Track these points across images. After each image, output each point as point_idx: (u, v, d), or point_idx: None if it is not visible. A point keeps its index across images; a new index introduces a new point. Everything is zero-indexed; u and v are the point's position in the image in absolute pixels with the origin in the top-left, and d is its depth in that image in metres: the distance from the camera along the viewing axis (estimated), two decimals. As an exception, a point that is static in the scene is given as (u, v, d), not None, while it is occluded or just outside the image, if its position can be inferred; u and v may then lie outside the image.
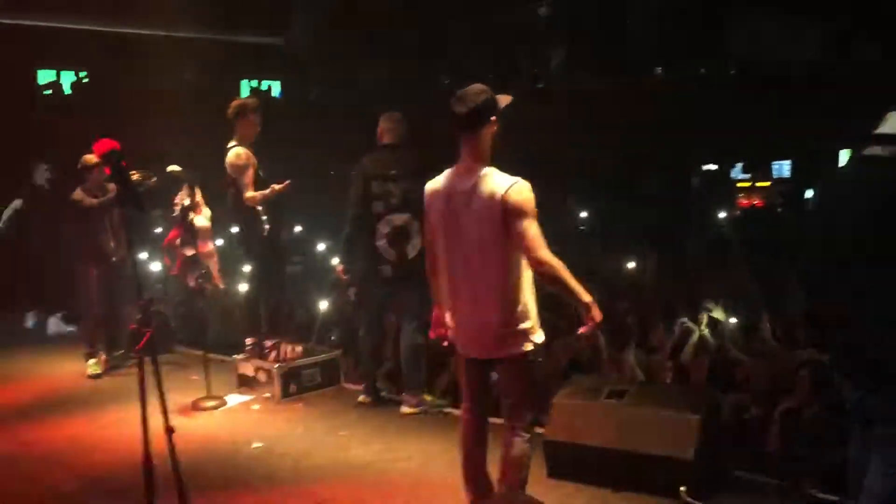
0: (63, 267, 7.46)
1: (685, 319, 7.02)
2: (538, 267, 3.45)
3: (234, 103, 6.13)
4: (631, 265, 9.44)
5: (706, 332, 7.02)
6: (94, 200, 6.76)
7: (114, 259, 6.94)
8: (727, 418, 5.20)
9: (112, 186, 6.74)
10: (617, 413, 4.38)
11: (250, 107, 6.10)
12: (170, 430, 3.06)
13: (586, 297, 3.52)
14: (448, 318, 3.76)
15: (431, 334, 4.00)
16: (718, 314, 7.39)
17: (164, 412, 3.03)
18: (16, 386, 6.85)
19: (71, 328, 8.54)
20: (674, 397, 4.52)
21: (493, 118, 3.55)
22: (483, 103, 3.51)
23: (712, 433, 4.29)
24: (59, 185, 8.51)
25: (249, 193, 5.90)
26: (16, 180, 8.70)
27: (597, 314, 3.51)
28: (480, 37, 15.45)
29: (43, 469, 5.04)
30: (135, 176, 5.60)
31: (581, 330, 3.58)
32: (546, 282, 3.50)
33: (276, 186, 5.92)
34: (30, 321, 8.88)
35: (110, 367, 7.08)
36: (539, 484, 4.18)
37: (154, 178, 6.40)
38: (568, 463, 4.44)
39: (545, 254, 3.44)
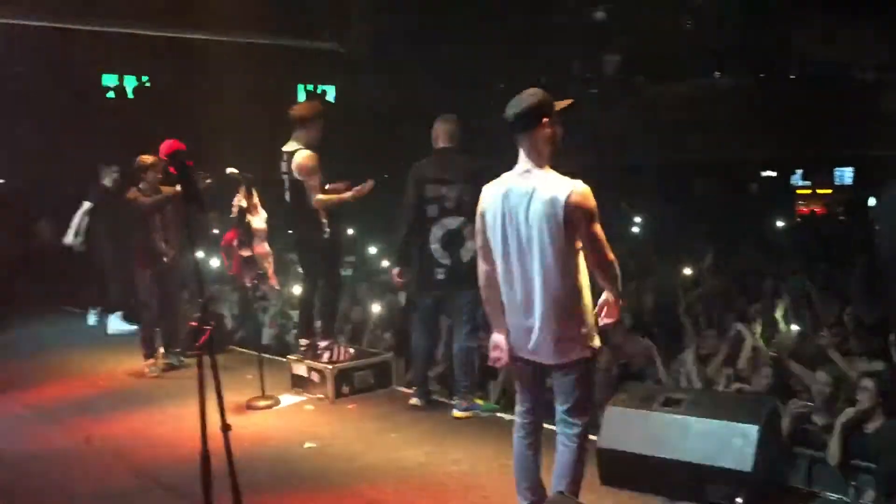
0: (120, 266, 7.64)
1: (740, 325, 6.90)
2: (607, 268, 3.53)
3: (310, 108, 6.21)
4: (687, 271, 9.29)
5: (763, 339, 6.89)
6: (147, 200, 6.88)
7: (165, 259, 7.05)
8: (787, 428, 5.08)
9: (166, 188, 6.91)
10: (673, 421, 4.30)
11: (321, 112, 6.18)
12: (226, 428, 3.10)
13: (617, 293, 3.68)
14: (503, 340, 3.73)
15: (490, 361, 3.97)
16: (776, 321, 7.24)
17: (222, 410, 3.07)
18: (78, 382, 7.00)
19: (130, 326, 8.73)
20: (731, 406, 4.41)
21: (546, 120, 3.54)
22: (533, 106, 3.53)
23: (771, 444, 4.19)
24: (123, 186, 8.73)
25: (320, 196, 5.96)
26: (82, 182, 8.92)
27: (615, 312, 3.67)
28: (535, 41, 15.40)
29: (103, 463, 5.16)
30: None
31: (609, 320, 3.72)
32: (608, 285, 3.61)
33: (357, 189, 5.99)
34: (91, 319, 9.10)
35: (168, 367, 7.19)
36: (592, 492, 4.13)
37: (209, 180, 6.51)
38: (622, 471, 4.38)
39: (612, 255, 3.55)
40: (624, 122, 14.29)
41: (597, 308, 3.68)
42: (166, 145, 3.01)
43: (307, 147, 6.01)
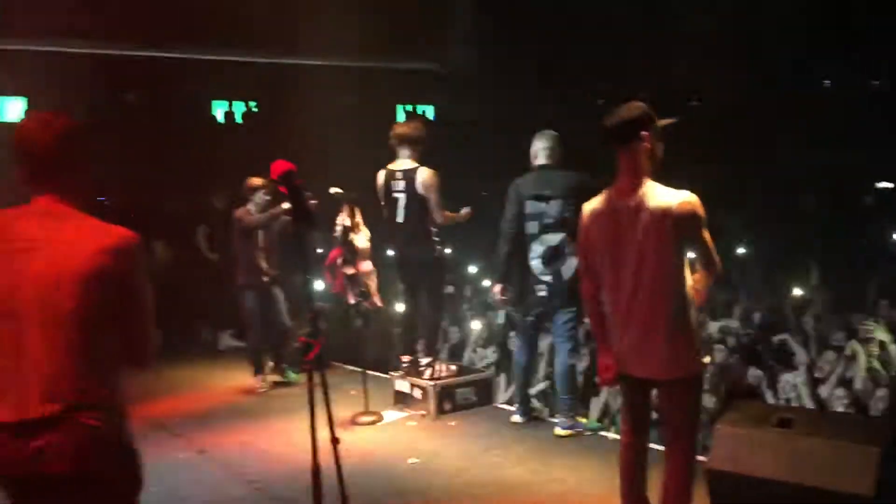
0: (226, 285, 7.92)
1: (856, 344, 6.61)
2: (714, 269, 3.58)
3: (416, 127, 6.35)
4: (797, 291, 8.95)
5: (876, 359, 6.58)
6: (253, 218, 7.11)
7: (265, 279, 7.22)
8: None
9: (274, 209, 7.08)
10: (787, 443, 4.13)
11: (425, 131, 6.34)
12: (335, 441, 3.17)
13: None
14: (611, 360, 3.70)
15: (599, 382, 4.00)
16: (882, 335, 6.90)
17: (331, 423, 3.14)
18: (195, 396, 7.31)
19: (240, 343, 9.03)
20: (849, 427, 4.21)
21: (644, 134, 3.50)
22: (632, 118, 3.52)
23: (894, 468, 3.97)
24: (231, 208, 9.07)
25: (447, 213, 6.11)
26: (197, 205, 9.33)
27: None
28: (635, 56, 15.21)
29: (216, 474, 5.34)
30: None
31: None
32: (705, 284, 3.63)
33: (469, 211, 6.26)
34: (206, 337, 9.44)
35: (277, 384, 7.40)
36: (701, 514, 4.02)
37: (315, 201, 6.65)
38: (732, 493, 4.22)
39: (719, 263, 3.59)
40: (727, 135, 13.91)
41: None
42: (278, 166, 3.12)
43: (419, 165, 6.12)
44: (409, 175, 6.08)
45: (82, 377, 2.36)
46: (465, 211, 6.26)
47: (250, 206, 7.20)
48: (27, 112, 12.32)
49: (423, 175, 6.04)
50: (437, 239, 6.15)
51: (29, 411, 2.31)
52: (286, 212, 6.55)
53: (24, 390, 2.32)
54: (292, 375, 7.44)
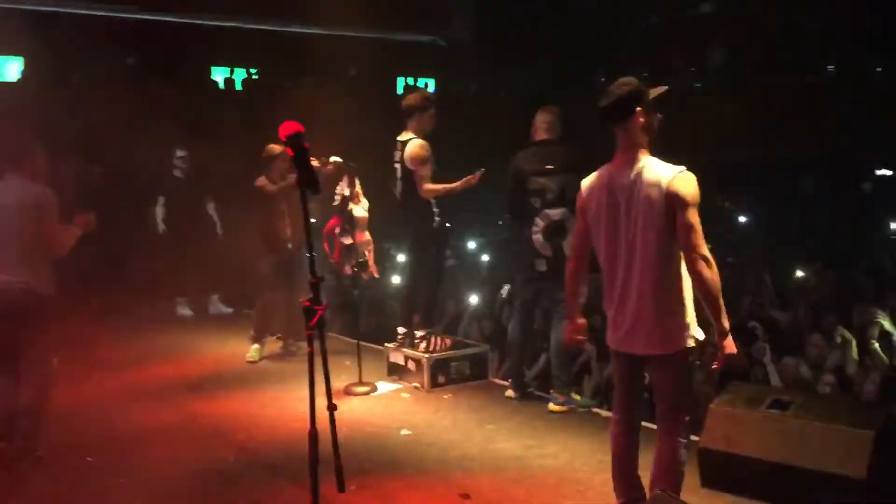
0: (237, 254, 7.76)
1: (843, 330, 6.63)
2: (698, 262, 3.38)
3: (419, 96, 6.24)
4: (799, 273, 8.94)
5: (876, 345, 6.58)
6: (274, 187, 6.90)
7: (289, 246, 7.03)
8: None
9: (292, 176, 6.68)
10: (781, 424, 4.14)
11: (432, 101, 6.22)
12: (332, 407, 3.15)
13: (725, 324, 3.45)
14: (580, 321, 3.85)
15: (567, 341, 3.98)
16: (888, 326, 6.92)
17: (328, 389, 3.12)
18: (181, 363, 7.20)
19: (229, 309, 8.96)
20: (844, 411, 4.21)
21: (639, 109, 3.50)
22: (626, 94, 3.52)
23: (887, 452, 3.98)
24: (192, 173, 8.87)
25: (429, 185, 6.00)
26: (193, 171, 9.06)
27: (730, 345, 3.44)
28: (636, 34, 15.13)
29: (207, 440, 5.34)
30: (314, 162, 5.74)
31: (714, 366, 3.52)
32: (698, 284, 3.43)
33: (467, 179, 5.95)
34: (181, 308, 9.04)
35: (287, 354, 7.22)
36: (692, 493, 4.02)
37: (330, 165, 6.41)
38: (724, 473, 4.25)
39: (706, 250, 3.40)
40: (729, 117, 13.84)
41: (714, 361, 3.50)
42: (286, 127, 3.07)
43: (419, 136, 6.06)
44: (403, 146, 6.07)
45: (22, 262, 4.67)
46: (470, 178, 5.97)
47: (270, 174, 6.96)
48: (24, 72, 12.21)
49: (410, 148, 6.00)
50: (435, 210, 6.11)
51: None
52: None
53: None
54: (299, 345, 7.15)
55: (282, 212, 6.97)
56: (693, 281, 3.46)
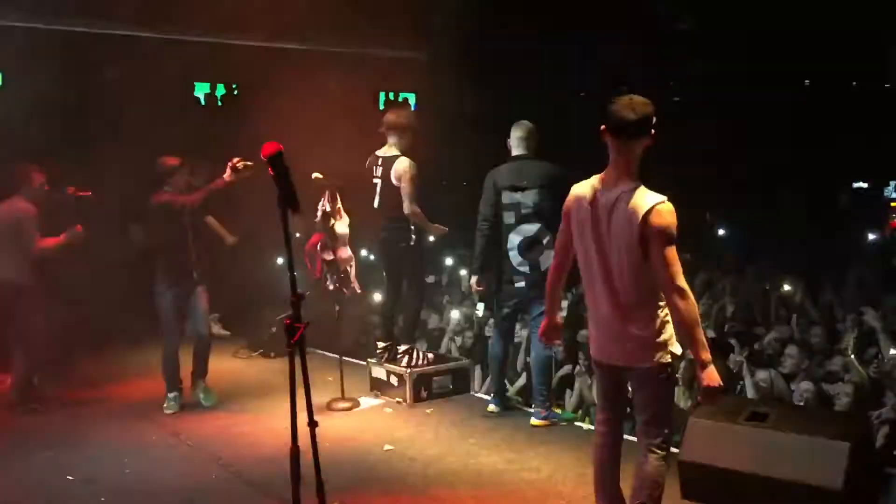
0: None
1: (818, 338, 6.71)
2: (673, 295, 3.38)
3: (404, 114, 6.30)
4: (786, 287, 9.00)
5: (853, 356, 6.65)
6: (194, 196, 5.98)
7: (194, 275, 6.18)
8: (879, 449, 4.89)
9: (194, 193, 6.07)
10: (759, 436, 4.19)
11: (415, 119, 6.30)
12: (313, 424, 3.16)
13: (706, 356, 3.42)
14: (558, 317, 4.00)
15: (541, 339, 4.09)
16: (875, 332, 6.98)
17: (309, 406, 3.13)
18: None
19: (226, 332, 8.89)
20: (821, 422, 4.27)
21: (652, 132, 3.52)
22: (649, 115, 3.49)
23: (863, 463, 4.04)
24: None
25: (417, 208, 6.07)
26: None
27: (711, 377, 3.41)
28: (615, 47, 15.26)
29: (191, 458, 5.33)
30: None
31: (700, 399, 3.56)
32: (674, 316, 3.44)
33: (440, 228, 6.32)
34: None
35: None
36: (673, 505, 4.07)
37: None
38: (704, 485, 4.28)
39: (682, 283, 3.39)
40: (708, 131, 14.00)
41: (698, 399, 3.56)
42: (268, 147, 3.09)
43: (401, 152, 6.11)
44: (387, 163, 6.11)
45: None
46: (439, 227, 6.31)
47: (167, 188, 6.08)
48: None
49: (400, 165, 6.05)
50: (412, 227, 6.15)
51: None
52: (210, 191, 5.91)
53: None
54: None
55: (185, 232, 6.09)
56: (670, 312, 3.47)
